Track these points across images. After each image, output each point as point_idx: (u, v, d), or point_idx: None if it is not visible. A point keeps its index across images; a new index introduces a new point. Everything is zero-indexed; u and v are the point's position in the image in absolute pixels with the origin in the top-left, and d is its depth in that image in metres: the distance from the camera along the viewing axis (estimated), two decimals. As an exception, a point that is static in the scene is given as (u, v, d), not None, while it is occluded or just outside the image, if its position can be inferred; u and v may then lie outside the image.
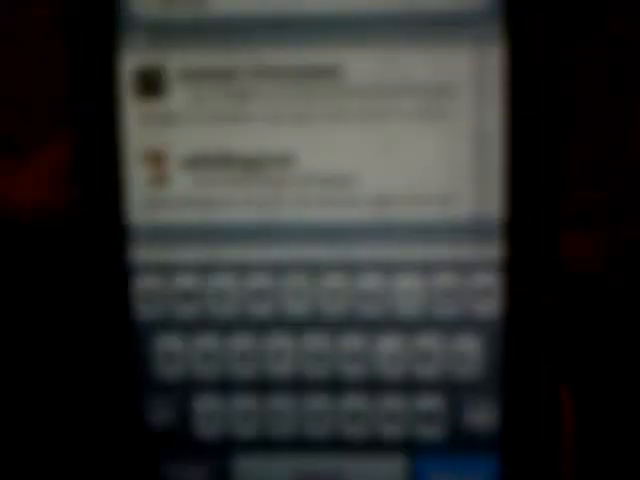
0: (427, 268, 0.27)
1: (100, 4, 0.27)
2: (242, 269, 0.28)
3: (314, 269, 0.28)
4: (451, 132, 0.27)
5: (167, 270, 0.28)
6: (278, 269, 0.28)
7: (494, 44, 0.26)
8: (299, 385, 0.28)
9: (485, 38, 0.26)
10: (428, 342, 0.28)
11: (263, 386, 0.28)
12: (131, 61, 0.27)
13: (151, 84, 0.27)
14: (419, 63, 0.26)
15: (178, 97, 0.27)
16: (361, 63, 0.27)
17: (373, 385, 0.28)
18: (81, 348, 0.28)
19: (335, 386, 0.28)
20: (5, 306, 0.28)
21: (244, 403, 0.28)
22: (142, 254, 0.28)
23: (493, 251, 0.27)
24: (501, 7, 0.26)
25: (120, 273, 0.28)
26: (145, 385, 0.28)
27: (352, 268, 0.28)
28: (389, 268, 0.27)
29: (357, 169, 0.27)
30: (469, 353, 0.28)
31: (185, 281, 0.28)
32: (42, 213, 0.27)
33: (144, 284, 0.28)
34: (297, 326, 0.28)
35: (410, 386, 0.28)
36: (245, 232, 0.28)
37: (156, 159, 0.27)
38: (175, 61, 0.27)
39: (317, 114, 0.27)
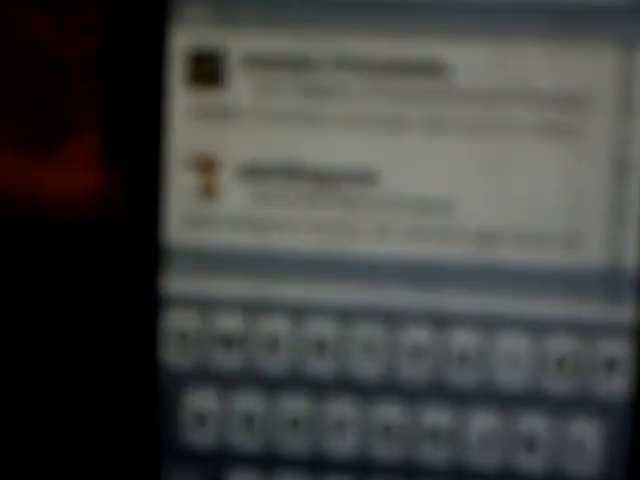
0: (538, 328, 0.22)
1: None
2: (300, 312, 0.22)
3: (393, 319, 0.22)
4: (580, 154, 0.21)
5: (206, 307, 0.22)
6: (346, 316, 0.22)
7: (644, 43, 0.21)
8: (363, 468, 0.22)
9: (633, 36, 0.21)
10: (533, 424, 0.22)
11: (317, 465, 0.22)
12: (184, 39, 0.22)
13: (208, 70, 0.22)
14: (544, 64, 0.21)
15: (240, 89, 0.22)
16: (471, 60, 0.21)
17: (458, 474, 0.22)
18: (93, 399, 0.23)
19: (409, 472, 0.22)
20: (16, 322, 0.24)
21: (291, 485, 0.23)
22: (177, 284, 0.22)
23: (625, 311, 0.21)
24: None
25: (148, 307, 0.22)
26: (168, 453, 0.23)
27: (441, 321, 0.22)
28: (489, 325, 0.22)
29: (456, 194, 0.22)
30: (586, 442, 0.22)
31: (228, 322, 0.22)
32: (68, 218, 0.22)
33: (176, 323, 0.22)
34: (366, 391, 0.22)
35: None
36: (308, 265, 0.22)
37: (206, 165, 0.22)
38: (239, 43, 0.22)
39: (411, 121, 0.21)
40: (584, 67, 0.21)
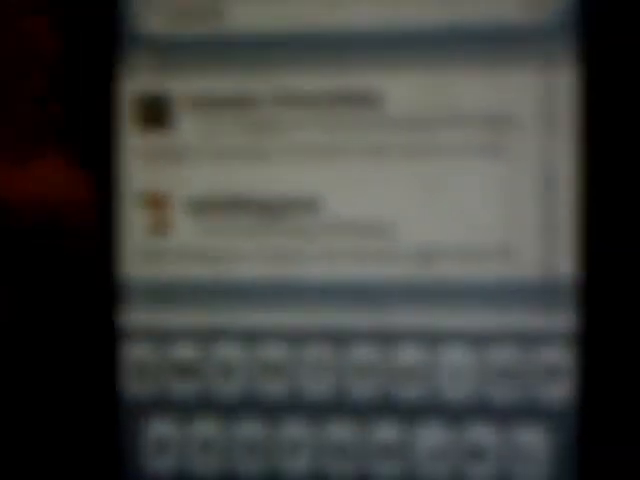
0: (481, 340, 0.22)
1: (99, 17, 0.23)
2: (252, 338, 0.23)
3: (340, 339, 0.23)
4: (511, 172, 0.22)
5: (162, 338, 0.23)
6: (296, 339, 0.23)
7: (565, 63, 0.22)
8: (319, 485, 0.23)
9: (553, 56, 0.22)
10: (480, 434, 0.22)
11: (274, 485, 0.23)
12: (133, 85, 0.23)
13: (155, 113, 0.23)
14: (473, 88, 0.22)
15: (186, 129, 0.23)
16: (403, 89, 0.22)
17: (412, 488, 0.23)
18: (54, 429, 0.23)
19: (364, 488, 0.23)
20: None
21: (250, 507, 0.23)
22: (133, 317, 0.23)
23: (564, 320, 0.22)
24: (573, 17, 0.22)
25: (106, 340, 0.23)
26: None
27: (387, 339, 0.22)
28: (433, 339, 0.22)
29: (396, 216, 0.22)
30: (532, 449, 0.22)
31: (183, 352, 0.23)
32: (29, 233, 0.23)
33: (134, 354, 0.23)
34: (317, 411, 0.23)
35: (458, 490, 0.23)
36: (258, 292, 0.23)
37: (157, 202, 0.23)
38: (184, 86, 0.23)
39: (349, 150, 0.23)
40: (510, 89, 0.22)
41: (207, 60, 0.23)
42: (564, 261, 0.22)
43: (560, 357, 0.22)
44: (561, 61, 0.22)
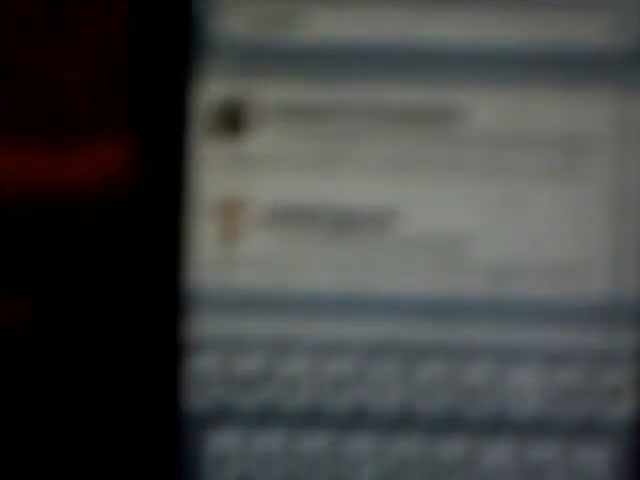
0: (548, 359, 0.23)
1: (177, 22, 0.22)
2: (321, 351, 0.23)
3: (410, 354, 0.23)
4: (586, 194, 0.22)
5: (228, 348, 0.22)
6: (366, 353, 0.23)
7: (643, 91, 0.23)
8: (386, 500, 0.23)
9: (631, 83, 0.22)
10: (544, 453, 0.23)
11: (339, 500, 0.23)
12: (211, 92, 0.22)
13: (233, 121, 0.22)
14: (552, 110, 0.23)
15: (264, 138, 0.23)
16: (485, 107, 0.22)
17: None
18: (116, 441, 0.22)
19: (430, 504, 0.23)
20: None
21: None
22: (200, 327, 0.22)
23: (629, 339, 0.23)
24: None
25: (171, 349, 0.22)
26: (191, 494, 0.23)
27: (457, 355, 0.23)
28: (503, 357, 0.23)
29: (471, 232, 0.23)
30: (595, 467, 0.23)
31: (250, 363, 0.23)
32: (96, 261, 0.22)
33: (199, 365, 0.22)
34: (385, 426, 0.23)
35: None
36: (330, 305, 0.23)
37: (231, 211, 0.22)
38: (263, 95, 0.22)
39: (427, 165, 0.23)
40: (588, 112, 0.23)
41: (286, 69, 0.23)
42: (632, 282, 0.23)
43: (624, 376, 0.23)
44: (638, 87, 0.23)
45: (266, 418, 0.23)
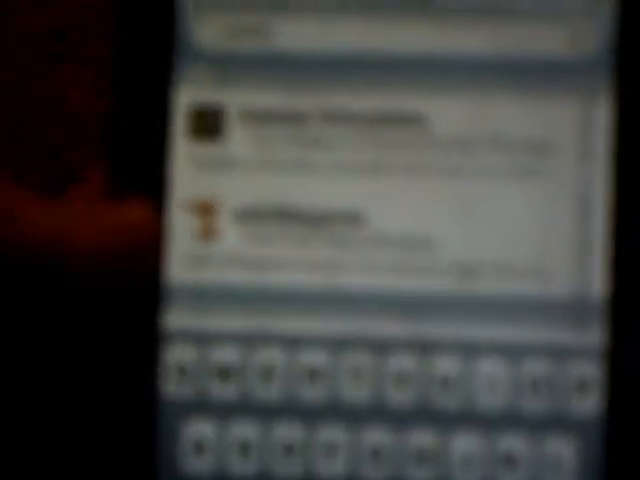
0: (514, 353, 0.23)
1: (157, 29, 0.24)
2: (293, 343, 0.24)
3: (379, 348, 0.23)
4: (547, 195, 0.23)
5: (204, 340, 0.24)
6: (336, 346, 0.23)
7: (602, 96, 0.23)
8: (354, 489, 0.24)
9: (592, 89, 0.23)
10: (512, 444, 0.23)
11: (310, 488, 0.24)
12: (188, 96, 0.24)
13: (208, 124, 0.24)
14: (513, 115, 0.23)
15: (237, 140, 0.24)
16: (447, 112, 0.23)
17: (444, 493, 0.24)
18: (93, 428, 0.24)
19: (397, 493, 0.23)
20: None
21: (285, 509, 0.24)
22: (177, 319, 0.24)
23: (594, 336, 0.23)
24: (613, 54, 0.23)
25: (149, 341, 0.24)
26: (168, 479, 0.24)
27: (425, 349, 0.23)
28: (469, 351, 0.23)
29: (436, 232, 0.23)
30: (561, 460, 0.23)
31: (225, 355, 0.24)
32: (76, 257, 0.23)
33: (176, 356, 0.24)
34: (355, 416, 0.23)
35: (489, 497, 0.24)
36: (301, 300, 0.24)
37: (205, 209, 0.24)
38: (237, 100, 0.24)
39: (393, 167, 0.24)
40: (550, 118, 0.23)
41: (259, 76, 0.24)
42: (595, 280, 0.23)
43: (590, 371, 0.23)
44: (600, 94, 0.23)
45: (241, 407, 0.24)
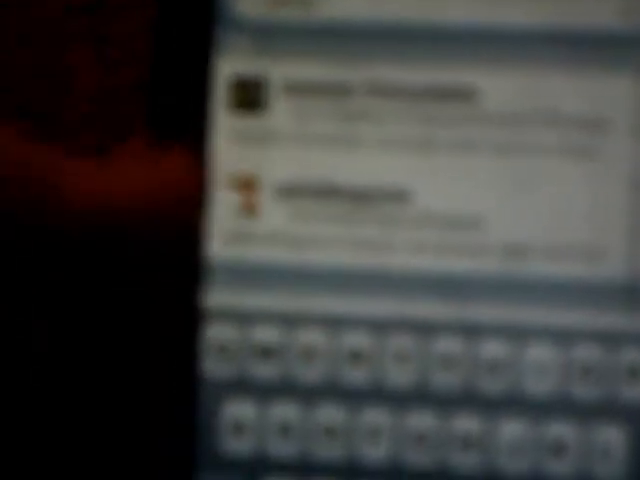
0: (564, 337, 0.23)
1: (199, 1, 0.23)
2: (336, 324, 0.23)
3: (424, 330, 0.23)
4: (601, 174, 0.22)
5: (245, 319, 0.23)
6: (380, 327, 0.23)
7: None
8: (397, 474, 0.23)
9: (650, 63, 0.22)
10: (560, 431, 0.23)
11: (351, 472, 0.23)
12: (229, 68, 0.23)
13: (250, 96, 0.23)
14: (567, 90, 0.22)
15: (280, 114, 0.23)
16: (500, 86, 0.23)
17: (489, 480, 0.23)
18: (133, 409, 0.23)
19: (441, 478, 0.23)
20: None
21: (325, 492, 0.23)
22: (217, 298, 0.23)
23: (647, 321, 0.22)
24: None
25: (189, 319, 0.23)
26: (206, 460, 0.23)
27: (471, 332, 0.23)
28: (517, 335, 0.23)
29: (485, 211, 0.23)
30: (612, 447, 0.22)
31: (266, 334, 0.23)
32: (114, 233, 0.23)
33: (216, 335, 0.23)
34: (399, 400, 0.23)
35: (536, 484, 0.23)
36: (344, 279, 0.23)
37: (247, 185, 0.23)
38: (280, 71, 0.23)
39: (442, 143, 0.23)
40: (607, 93, 0.23)
41: (303, 46, 0.23)
42: (650, 263, 0.22)
43: (641, 357, 0.23)
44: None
45: (281, 388, 0.23)
